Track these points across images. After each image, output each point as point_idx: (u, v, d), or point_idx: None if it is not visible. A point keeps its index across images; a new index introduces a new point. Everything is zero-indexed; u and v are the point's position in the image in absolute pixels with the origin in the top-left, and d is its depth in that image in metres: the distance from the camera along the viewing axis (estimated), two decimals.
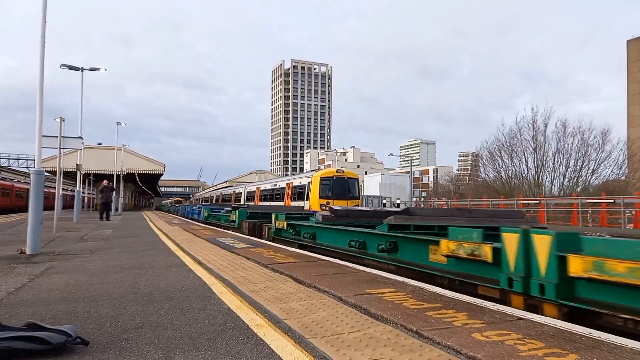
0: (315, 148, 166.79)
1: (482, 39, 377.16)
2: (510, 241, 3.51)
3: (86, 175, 32.98)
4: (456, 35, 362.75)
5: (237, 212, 13.19)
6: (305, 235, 7.95)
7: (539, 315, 2.89)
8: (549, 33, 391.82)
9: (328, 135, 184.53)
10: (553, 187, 30.25)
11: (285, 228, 8.90)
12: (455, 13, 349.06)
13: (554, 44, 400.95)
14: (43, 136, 7.84)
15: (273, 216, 9.71)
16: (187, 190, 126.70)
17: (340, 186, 23.77)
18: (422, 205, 39.92)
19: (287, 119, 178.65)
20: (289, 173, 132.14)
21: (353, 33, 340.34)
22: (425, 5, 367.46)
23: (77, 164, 18.51)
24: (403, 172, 76.28)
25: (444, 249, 4.17)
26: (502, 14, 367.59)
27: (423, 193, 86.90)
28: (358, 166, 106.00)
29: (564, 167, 29.76)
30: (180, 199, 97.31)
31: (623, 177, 30.54)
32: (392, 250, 5.19)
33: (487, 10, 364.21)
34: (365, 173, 58.55)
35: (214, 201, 50.51)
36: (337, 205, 22.24)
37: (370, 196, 34.86)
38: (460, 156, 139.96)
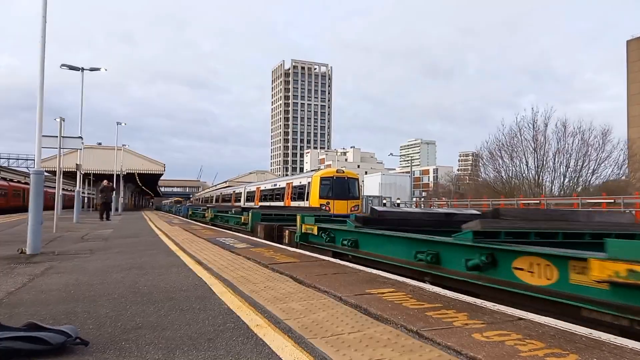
0: (315, 148, 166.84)
1: (490, 37, 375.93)
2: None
3: (86, 175, 32.99)
4: (463, 34, 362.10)
5: None
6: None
7: (539, 316, 2.89)
8: (557, 31, 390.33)
9: (328, 135, 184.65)
10: (553, 187, 30.29)
11: None
12: (463, 11, 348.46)
13: (562, 42, 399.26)
14: (43, 136, 7.85)
15: None
16: (187, 191, 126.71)
17: (340, 186, 23.78)
18: (423, 206, 39.90)
19: (287, 119, 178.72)
20: (289, 173, 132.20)
21: (359, 31, 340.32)
22: (433, 3, 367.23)
23: (77, 164, 18.50)
24: (403, 172, 76.31)
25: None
26: (510, 11, 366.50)
27: (423, 193, 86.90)
28: (358, 166, 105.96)
29: (564, 167, 29.86)
30: (180, 198, 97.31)
31: (623, 177, 30.58)
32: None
33: (495, 8, 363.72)
34: (366, 173, 58.59)
35: (213, 201, 50.47)
36: (337, 205, 22.33)
37: (370, 196, 34.85)
38: (460, 156, 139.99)
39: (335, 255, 6.44)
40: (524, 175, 31.46)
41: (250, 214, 11.23)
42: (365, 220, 6.03)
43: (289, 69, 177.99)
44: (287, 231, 8.78)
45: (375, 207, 6.28)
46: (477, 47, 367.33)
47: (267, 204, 28.43)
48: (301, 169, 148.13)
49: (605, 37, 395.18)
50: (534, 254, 3.42)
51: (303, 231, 7.61)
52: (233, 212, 14.36)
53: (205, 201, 58.97)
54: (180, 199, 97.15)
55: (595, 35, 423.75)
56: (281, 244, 8.30)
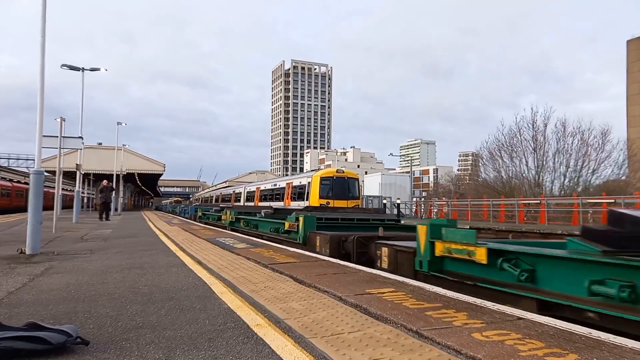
0: (315, 148, 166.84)
1: (490, 37, 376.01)
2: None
3: (86, 175, 32.99)
4: (464, 33, 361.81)
5: None
6: None
7: (539, 315, 2.89)
8: (558, 31, 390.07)
9: (328, 135, 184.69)
10: (553, 187, 30.27)
11: None
12: (463, 11, 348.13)
13: (563, 41, 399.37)
14: (43, 136, 7.85)
15: None
16: (187, 191, 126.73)
17: (340, 186, 23.80)
18: (422, 206, 39.94)
19: (287, 119, 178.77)
20: (289, 173, 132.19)
21: (359, 31, 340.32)
22: (433, 3, 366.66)
23: (77, 164, 18.50)
24: (403, 172, 76.27)
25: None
26: (511, 11, 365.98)
27: (423, 193, 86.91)
28: (358, 166, 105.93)
29: (564, 167, 29.79)
30: (180, 198, 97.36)
31: (623, 177, 30.56)
32: None
33: (495, 8, 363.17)
34: (366, 173, 58.55)
35: (213, 201, 50.51)
36: (337, 205, 22.34)
37: (370, 196, 34.86)
38: (460, 156, 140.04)
39: (542, 307, 3.50)
40: (524, 175, 31.44)
41: (302, 218, 8.22)
42: (613, 237, 3.30)
43: (289, 69, 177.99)
44: (385, 249, 5.51)
45: (622, 211, 3.43)
46: (477, 47, 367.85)
47: (267, 204, 28.43)
48: (301, 169, 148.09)
49: (606, 37, 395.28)
50: None
51: (437, 253, 4.54)
52: (263, 214, 11.56)
53: (205, 201, 58.94)
54: (180, 198, 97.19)
55: (595, 35, 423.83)
56: (370, 267, 5.32)
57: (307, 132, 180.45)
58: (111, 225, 15.14)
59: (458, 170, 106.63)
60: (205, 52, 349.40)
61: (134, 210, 51.17)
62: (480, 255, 4.02)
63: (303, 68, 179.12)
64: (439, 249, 4.52)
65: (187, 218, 23.82)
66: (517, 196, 27.80)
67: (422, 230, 4.75)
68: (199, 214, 20.41)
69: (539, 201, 24.89)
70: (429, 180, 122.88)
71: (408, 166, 74.80)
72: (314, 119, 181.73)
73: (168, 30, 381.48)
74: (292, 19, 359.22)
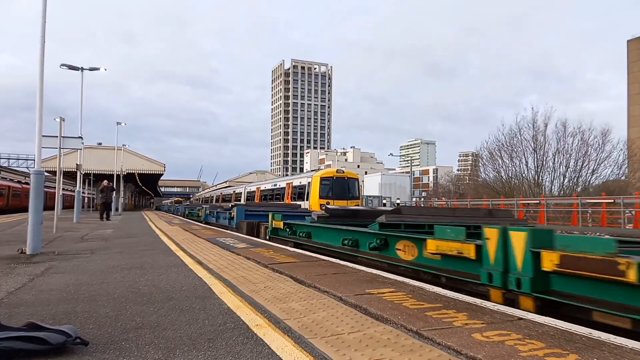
0: (315, 148, 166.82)
1: (492, 37, 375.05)
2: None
3: (86, 175, 33.00)
4: (466, 33, 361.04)
5: None
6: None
7: (539, 315, 2.89)
8: (560, 30, 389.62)
9: (328, 135, 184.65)
10: (553, 187, 30.27)
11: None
12: (465, 10, 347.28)
13: (564, 41, 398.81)
14: (43, 136, 7.85)
15: None
16: (187, 190, 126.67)
17: (340, 186, 23.80)
18: (422, 205, 39.95)
19: (287, 119, 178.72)
20: (289, 173, 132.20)
21: (360, 31, 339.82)
22: (434, 2, 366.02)
23: (77, 164, 18.51)
24: (403, 172, 76.30)
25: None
26: (512, 11, 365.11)
27: (423, 193, 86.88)
28: (358, 166, 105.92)
29: (564, 167, 29.80)
30: (180, 198, 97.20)
31: (623, 177, 30.55)
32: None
33: (497, 7, 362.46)
34: (365, 173, 58.57)
35: (214, 201, 50.50)
36: (337, 205, 22.34)
37: (370, 196, 34.87)
38: (460, 156, 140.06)
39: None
40: (523, 175, 31.47)
41: None
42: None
43: (288, 69, 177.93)
44: None
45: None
46: (479, 47, 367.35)
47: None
48: (301, 169, 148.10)
49: (608, 36, 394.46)
50: None
51: None
52: None
53: (205, 201, 58.92)
54: (180, 198, 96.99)
55: (597, 34, 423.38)
56: None
57: (307, 132, 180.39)
58: (112, 225, 15.14)
59: (458, 170, 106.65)
60: (205, 52, 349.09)
61: (135, 210, 51.18)
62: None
63: (303, 67, 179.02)
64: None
65: (228, 228, 13.58)
66: (517, 196, 27.80)
67: None
68: (275, 223, 9.30)
69: (538, 201, 24.90)
70: (428, 180, 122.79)
71: (408, 166, 74.79)
72: (314, 118, 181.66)
73: (169, 29, 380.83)
74: (293, 19, 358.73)
